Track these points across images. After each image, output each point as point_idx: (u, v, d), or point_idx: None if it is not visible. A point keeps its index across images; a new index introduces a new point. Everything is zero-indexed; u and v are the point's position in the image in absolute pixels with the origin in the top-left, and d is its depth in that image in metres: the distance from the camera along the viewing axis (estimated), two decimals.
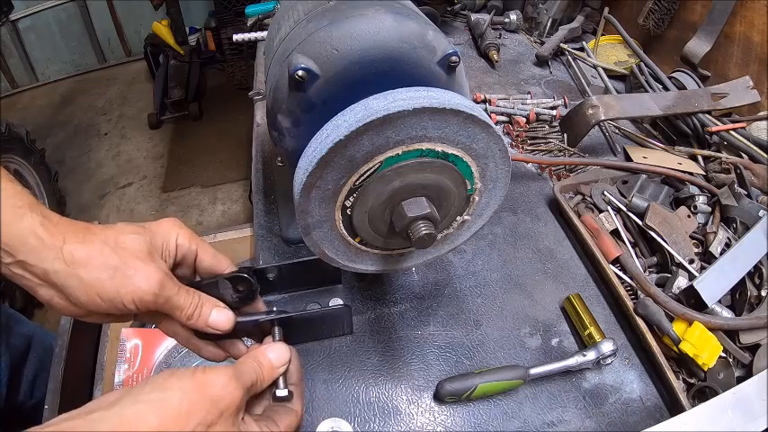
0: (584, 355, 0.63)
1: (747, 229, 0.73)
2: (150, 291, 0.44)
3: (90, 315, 0.45)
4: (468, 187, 0.51)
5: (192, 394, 0.38)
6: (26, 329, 0.90)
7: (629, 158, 0.93)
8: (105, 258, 0.43)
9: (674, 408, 0.62)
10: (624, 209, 0.79)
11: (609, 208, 0.80)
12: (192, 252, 0.51)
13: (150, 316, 0.49)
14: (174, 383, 0.38)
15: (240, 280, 0.52)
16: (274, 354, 0.47)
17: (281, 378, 0.48)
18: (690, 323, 0.64)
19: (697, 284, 0.66)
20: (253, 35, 1.12)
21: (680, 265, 0.71)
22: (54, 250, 0.42)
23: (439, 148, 0.46)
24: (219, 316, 0.49)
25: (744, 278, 0.68)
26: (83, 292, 0.43)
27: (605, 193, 0.81)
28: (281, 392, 0.47)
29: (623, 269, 0.73)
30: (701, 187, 0.83)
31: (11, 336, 0.86)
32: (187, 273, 0.52)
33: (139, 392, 0.37)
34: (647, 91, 1.03)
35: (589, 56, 1.20)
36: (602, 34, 1.23)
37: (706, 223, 0.78)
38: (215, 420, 0.38)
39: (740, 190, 0.80)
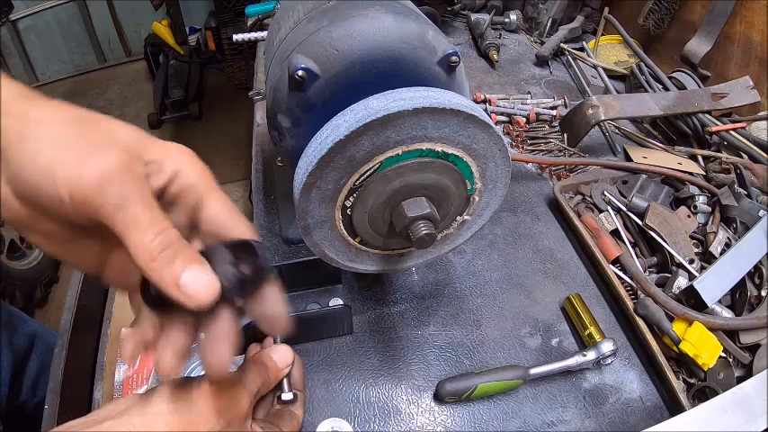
0: (585, 355, 0.63)
1: (747, 229, 0.73)
2: (93, 176, 0.28)
3: (22, 221, 0.32)
4: (468, 187, 0.51)
5: (198, 407, 0.38)
6: (29, 328, 0.90)
7: (629, 158, 0.93)
8: (64, 128, 0.31)
9: (674, 408, 0.62)
10: (624, 209, 0.79)
11: (609, 208, 0.80)
12: (195, 193, 0.35)
13: (89, 239, 0.34)
14: (181, 394, 0.38)
15: (246, 251, 0.35)
16: (278, 356, 0.47)
17: (285, 381, 0.47)
18: (690, 323, 0.64)
19: (697, 284, 0.66)
20: (253, 35, 1.11)
21: (680, 265, 0.71)
22: (15, 105, 0.31)
23: (439, 148, 0.46)
24: (198, 276, 0.30)
25: (744, 278, 0.68)
26: (18, 160, 0.29)
27: (605, 193, 0.81)
28: (287, 396, 0.47)
29: (623, 269, 0.73)
30: (701, 187, 0.83)
31: (14, 334, 0.86)
32: (182, 222, 0.35)
33: (147, 402, 0.37)
34: (647, 91, 1.03)
35: (589, 56, 1.20)
36: (602, 34, 1.23)
37: (706, 223, 0.78)
38: (223, 430, 0.38)
39: (740, 190, 0.80)
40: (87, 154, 0.29)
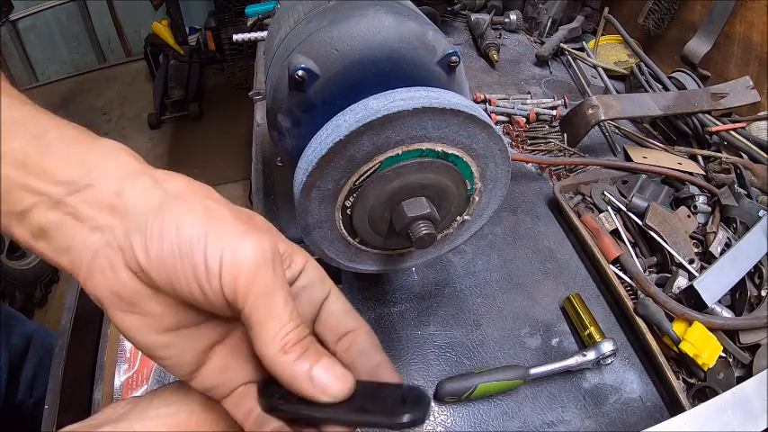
0: (585, 355, 0.63)
1: (747, 229, 0.73)
2: (252, 258, 0.27)
3: (148, 283, 0.28)
4: (468, 187, 0.51)
5: (200, 410, 0.38)
6: (26, 329, 0.90)
7: (629, 158, 0.93)
8: (199, 194, 0.29)
9: (674, 408, 0.62)
10: (624, 209, 0.79)
11: (609, 208, 0.80)
12: (320, 290, 0.33)
13: (201, 329, 0.31)
14: (182, 398, 0.38)
15: (413, 396, 0.30)
16: None
17: None
18: (690, 323, 0.64)
19: (697, 284, 0.66)
20: (253, 35, 1.11)
21: (680, 265, 0.71)
22: (137, 173, 0.29)
23: (439, 148, 0.46)
24: (332, 369, 0.28)
25: (744, 278, 0.68)
26: (159, 219, 0.27)
27: (605, 193, 0.81)
28: None
29: (623, 269, 0.73)
30: (701, 187, 0.83)
31: (10, 335, 0.86)
32: (306, 316, 0.33)
33: (147, 407, 0.37)
34: (647, 91, 1.03)
35: (589, 56, 1.20)
36: (602, 34, 1.23)
37: (706, 223, 0.78)
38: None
39: (740, 190, 0.80)
40: (242, 234, 0.27)
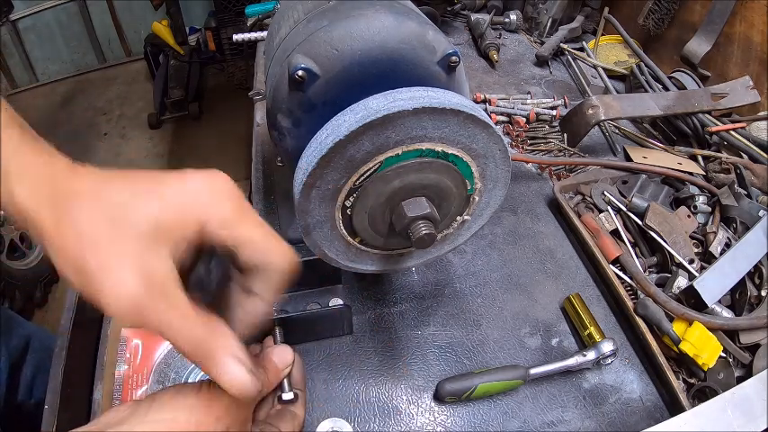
0: (585, 355, 0.63)
1: (747, 229, 0.73)
2: (124, 307, 0.31)
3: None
4: (468, 187, 0.51)
5: (198, 412, 0.38)
6: (24, 330, 0.90)
7: (629, 158, 0.93)
8: (79, 240, 0.32)
9: (674, 408, 0.62)
10: (624, 209, 0.79)
11: (609, 208, 0.80)
12: (227, 232, 0.35)
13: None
14: (180, 401, 0.38)
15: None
16: (278, 356, 0.47)
17: (285, 380, 0.47)
18: (690, 323, 0.64)
19: (697, 284, 0.66)
20: (253, 35, 1.11)
21: (680, 265, 0.71)
22: (47, 187, 0.32)
23: (439, 148, 0.46)
24: (241, 373, 0.34)
25: (744, 278, 0.68)
26: (61, 262, 0.32)
27: (605, 193, 0.81)
28: (288, 395, 0.47)
29: (623, 269, 0.73)
30: (701, 187, 0.83)
31: (9, 337, 0.86)
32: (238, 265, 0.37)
33: (147, 411, 0.38)
34: (647, 91, 1.03)
35: (589, 56, 1.20)
36: (602, 34, 1.23)
37: (706, 223, 0.78)
38: None
39: (740, 190, 0.80)
40: (107, 276, 0.31)
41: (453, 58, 0.50)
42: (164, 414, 0.37)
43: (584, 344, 0.67)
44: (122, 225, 0.32)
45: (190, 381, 0.65)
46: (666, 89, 1.02)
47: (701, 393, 0.61)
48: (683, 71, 1.04)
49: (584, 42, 1.25)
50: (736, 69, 0.99)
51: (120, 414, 0.38)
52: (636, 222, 0.77)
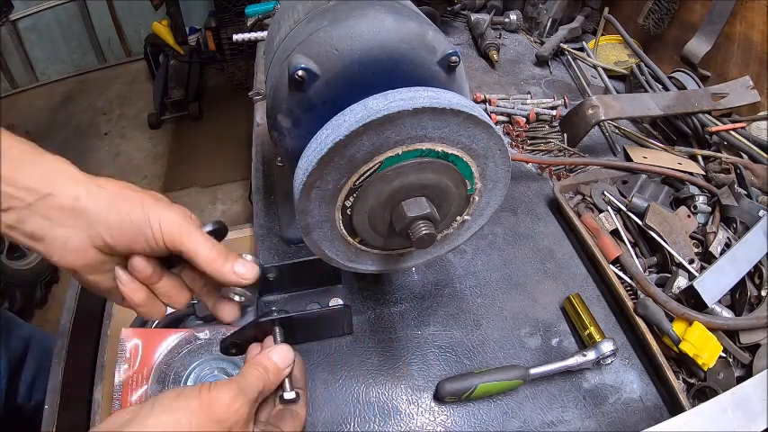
0: (585, 355, 0.63)
1: (747, 229, 0.73)
2: (176, 218, 0.43)
3: (110, 252, 0.44)
4: (468, 187, 0.51)
5: (199, 415, 0.38)
6: (24, 332, 0.90)
7: (629, 158, 0.93)
8: (131, 190, 0.45)
9: (674, 408, 0.62)
10: (624, 209, 0.79)
11: (609, 208, 0.80)
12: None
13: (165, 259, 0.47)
14: (181, 405, 0.39)
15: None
16: (278, 356, 0.47)
17: (286, 380, 0.47)
18: (690, 323, 0.64)
19: (697, 284, 0.66)
20: (253, 35, 1.11)
21: (680, 265, 0.71)
22: (84, 182, 0.43)
23: (439, 148, 0.46)
24: (245, 266, 0.47)
25: (744, 278, 0.68)
26: (114, 212, 0.42)
27: (605, 193, 0.81)
28: (289, 395, 0.47)
29: (623, 269, 0.73)
30: (701, 187, 0.83)
31: (9, 338, 0.86)
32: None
33: (148, 414, 0.38)
34: (647, 91, 1.03)
35: (589, 56, 1.20)
36: (602, 34, 1.23)
37: (706, 223, 0.78)
38: None
39: (740, 190, 0.80)
40: (164, 208, 0.44)
41: (453, 58, 0.50)
42: (165, 417, 0.37)
43: (584, 344, 0.67)
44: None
45: (189, 381, 0.65)
46: (666, 89, 1.02)
47: (701, 393, 0.61)
48: (683, 71, 1.04)
49: (584, 42, 1.25)
50: (736, 69, 0.99)
51: (121, 418, 0.38)
52: (636, 222, 0.77)
